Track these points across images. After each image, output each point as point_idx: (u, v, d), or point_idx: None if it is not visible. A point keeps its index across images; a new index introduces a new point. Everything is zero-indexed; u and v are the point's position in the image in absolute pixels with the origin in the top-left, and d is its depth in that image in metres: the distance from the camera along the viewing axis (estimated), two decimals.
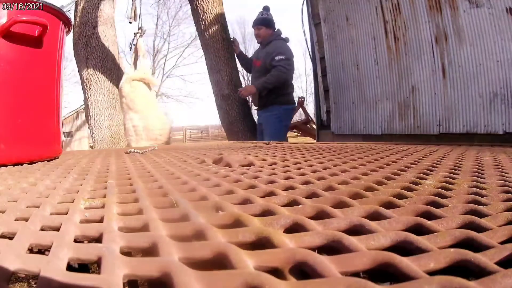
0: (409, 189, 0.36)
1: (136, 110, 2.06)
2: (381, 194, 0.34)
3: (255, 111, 2.69)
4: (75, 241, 0.23)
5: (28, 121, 0.73)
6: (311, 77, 3.21)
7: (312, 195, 0.34)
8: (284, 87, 2.47)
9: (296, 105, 2.80)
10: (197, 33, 2.87)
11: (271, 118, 2.47)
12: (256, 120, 2.69)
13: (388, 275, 0.18)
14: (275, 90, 2.43)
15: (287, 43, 2.51)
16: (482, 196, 0.32)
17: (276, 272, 0.18)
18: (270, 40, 2.45)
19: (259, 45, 2.58)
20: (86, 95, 2.86)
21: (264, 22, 2.51)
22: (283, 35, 2.53)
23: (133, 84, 2.07)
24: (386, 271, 0.18)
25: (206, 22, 2.67)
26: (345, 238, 0.21)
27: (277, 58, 2.37)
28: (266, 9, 2.58)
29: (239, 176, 0.45)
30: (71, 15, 1.64)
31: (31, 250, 0.21)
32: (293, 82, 2.61)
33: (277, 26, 2.54)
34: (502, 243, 0.21)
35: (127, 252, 0.21)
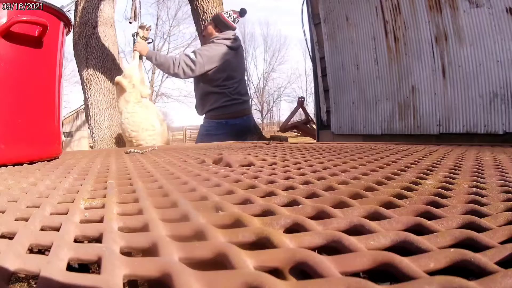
0: (409, 189, 0.36)
1: (119, 112, 2.13)
2: (381, 194, 0.34)
3: (254, 111, 2.55)
4: (75, 241, 0.23)
5: (28, 121, 0.73)
6: (311, 77, 3.19)
7: (312, 195, 0.34)
8: (211, 100, 2.17)
9: (243, 118, 2.32)
10: (197, 33, 2.87)
11: (201, 128, 2.32)
12: (254, 120, 2.63)
13: (388, 275, 0.18)
14: (205, 103, 2.20)
15: (226, 52, 2.15)
16: (482, 196, 0.32)
17: (276, 272, 0.18)
18: (209, 41, 2.22)
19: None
20: (86, 95, 2.86)
21: (214, 19, 2.24)
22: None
23: (117, 87, 2.12)
24: (386, 271, 0.18)
25: (206, 22, 2.67)
26: (345, 238, 0.21)
27: (190, 52, 2.14)
28: (242, 12, 2.26)
29: (239, 176, 0.45)
30: (71, 15, 1.64)
31: (31, 250, 0.21)
32: (241, 91, 2.23)
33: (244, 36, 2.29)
34: (502, 243, 0.21)
35: (127, 252, 0.21)
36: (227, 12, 2.24)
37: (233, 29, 2.25)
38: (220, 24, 2.21)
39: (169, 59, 2.14)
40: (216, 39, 2.19)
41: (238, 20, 2.25)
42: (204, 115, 2.29)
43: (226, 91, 2.19)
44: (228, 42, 2.18)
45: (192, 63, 2.09)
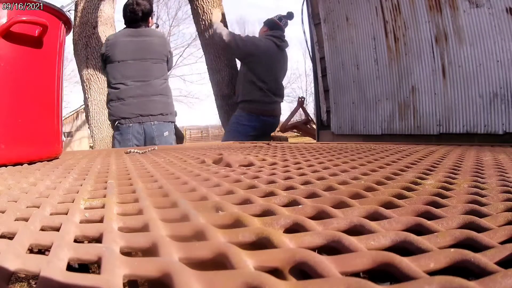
0: (409, 189, 0.36)
1: None
2: (381, 194, 0.34)
3: None
4: (75, 241, 0.23)
5: (28, 121, 0.73)
6: (311, 77, 3.20)
7: (312, 195, 0.34)
8: (249, 90, 2.33)
9: (276, 117, 2.54)
10: (197, 33, 2.87)
11: (232, 119, 2.45)
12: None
13: (388, 275, 0.18)
14: (244, 92, 2.36)
15: (272, 47, 2.39)
16: (482, 196, 0.32)
17: (276, 272, 0.18)
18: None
19: None
20: (86, 95, 2.86)
21: (265, 21, 2.54)
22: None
23: None
24: (386, 271, 0.18)
25: (206, 22, 2.67)
26: (345, 238, 0.21)
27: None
28: (290, 15, 2.56)
29: (239, 176, 0.45)
30: (71, 15, 1.65)
31: (31, 250, 0.21)
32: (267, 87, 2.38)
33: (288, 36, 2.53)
34: (502, 243, 0.21)
35: (127, 252, 0.21)
36: (277, 15, 2.54)
37: (282, 29, 2.49)
38: (270, 24, 2.49)
39: (227, 30, 2.38)
40: (266, 35, 2.42)
41: (285, 22, 2.51)
42: (238, 105, 2.44)
43: (264, 87, 2.36)
44: (275, 39, 2.40)
45: (240, 38, 2.31)
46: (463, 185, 0.37)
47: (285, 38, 2.50)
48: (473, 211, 0.27)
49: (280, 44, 2.42)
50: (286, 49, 2.54)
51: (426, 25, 1.89)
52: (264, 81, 2.35)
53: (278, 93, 2.47)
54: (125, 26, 1.92)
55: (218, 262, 0.19)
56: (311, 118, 3.81)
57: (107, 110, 1.90)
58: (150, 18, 1.95)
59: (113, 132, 1.93)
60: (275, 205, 0.29)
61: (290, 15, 2.54)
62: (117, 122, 1.82)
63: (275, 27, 2.48)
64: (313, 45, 2.76)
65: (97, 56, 2.80)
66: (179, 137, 2.64)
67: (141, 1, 1.82)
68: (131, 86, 1.80)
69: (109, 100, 1.85)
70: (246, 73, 2.37)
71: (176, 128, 2.75)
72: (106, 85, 2.81)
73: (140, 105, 1.80)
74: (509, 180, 0.40)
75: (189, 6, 2.91)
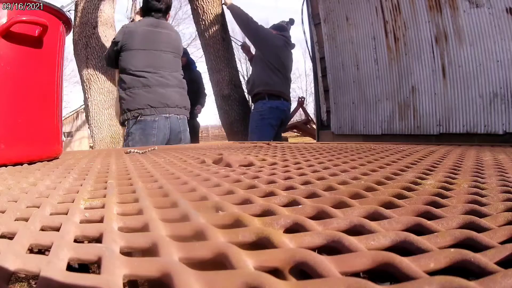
0: (409, 189, 0.36)
1: None
2: (381, 194, 0.34)
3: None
4: (75, 241, 0.23)
5: (28, 121, 0.73)
6: (311, 77, 3.22)
7: (312, 195, 0.34)
8: (265, 76, 2.51)
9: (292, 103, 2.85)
10: (197, 33, 2.87)
11: (254, 115, 2.57)
12: None
13: (388, 275, 0.18)
14: (260, 79, 2.53)
15: (281, 41, 2.65)
16: (482, 196, 0.32)
17: (276, 272, 0.18)
18: None
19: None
20: (86, 95, 2.86)
21: (272, 26, 2.81)
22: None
23: None
24: (386, 271, 0.18)
25: (206, 22, 2.67)
26: (345, 238, 0.21)
27: None
28: (290, 21, 2.84)
29: (239, 176, 0.45)
30: (71, 15, 1.64)
31: (31, 250, 0.21)
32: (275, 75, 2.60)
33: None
34: (502, 243, 0.21)
35: (127, 252, 0.21)
36: (281, 21, 2.84)
37: (288, 32, 2.75)
38: (278, 27, 2.74)
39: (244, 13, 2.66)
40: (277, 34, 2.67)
41: (289, 27, 2.78)
42: (255, 97, 2.61)
43: (278, 72, 2.56)
44: (285, 38, 2.66)
45: (257, 23, 2.58)
46: (463, 185, 0.37)
47: (290, 39, 2.73)
48: (473, 211, 0.27)
49: (285, 40, 2.64)
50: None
51: (426, 25, 1.89)
52: (277, 68, 2.55)
53: (288, 79, 2.69)
54: (142, 16, 1.88)
55: (218, 262, 0.18)
56: (311, 118, 3.82)
57: (124, 98, 1.72)
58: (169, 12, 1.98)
59: (127, 126, 1.75)
60: (275, 205, 0.29)
61: (291, 21, 2.82)
62: (139, 115, 1.69)
63: (283, 29, 2.71)
64: (313, 45, 2.76)
65: (97, 56, 2.80)
66: (197, 136, 2.72)
67: None
68: (157, 74, 1.74)
69: (128, 87, 1.71)
70: (262, 59, 2.56)
71: (197, 124, 2.78)
72: (106, 85, 2.82)
73: (167, 95, 1.74)
74: (509, 180, 0.40)
75: (189, 6, 2.92)
